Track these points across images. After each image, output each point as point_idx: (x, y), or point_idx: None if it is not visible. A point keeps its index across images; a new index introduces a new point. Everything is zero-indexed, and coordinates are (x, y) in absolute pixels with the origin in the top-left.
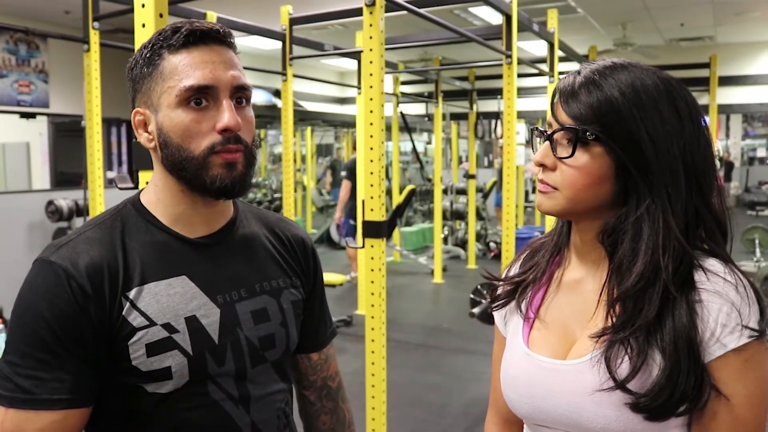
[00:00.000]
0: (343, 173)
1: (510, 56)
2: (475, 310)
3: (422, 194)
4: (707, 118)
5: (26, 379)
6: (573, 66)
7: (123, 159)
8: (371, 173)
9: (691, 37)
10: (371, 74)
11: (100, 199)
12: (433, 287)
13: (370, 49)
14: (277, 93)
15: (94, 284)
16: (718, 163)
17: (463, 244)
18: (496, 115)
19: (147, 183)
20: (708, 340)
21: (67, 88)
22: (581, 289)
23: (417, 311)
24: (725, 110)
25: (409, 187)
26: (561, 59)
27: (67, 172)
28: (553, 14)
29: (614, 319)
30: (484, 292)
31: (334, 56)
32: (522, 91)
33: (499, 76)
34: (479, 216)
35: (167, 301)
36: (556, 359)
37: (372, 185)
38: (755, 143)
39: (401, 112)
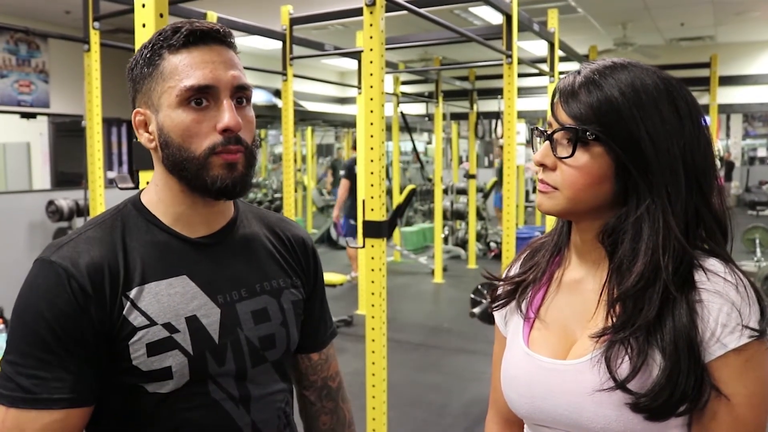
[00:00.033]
0: (342, 173)
1: (510, 56)
2: (476, 310)
3: (422, 194)
4: (707, 118)
5: (27, 378)
6: (573, 66)
7: (123, 159)
8: (372, 173)
9: (692, 36)
10: (371, 74)
11: (101, 199)
12: (433, 287)
13: (371, 49)
14: (277, 93)
15: (94, 284)
16: (718, 162)
17: (463, 244)
18: (497, 115)
19: (147, 183)
20: (708, 340)
21: (67, 88)
22: (581, 289)
23: (417, 311)
24: (725, 110)
25: (410, 187)
26: (561, 59)
27: (68, 172)
28: (553, 14)
29: (614, 319)
30: (485, 292)
31: (335, 56)
32: (522, 91)
33: (500, 76)
34: (479, 216)
35: (168, 301)
36: (556, 359)
37: (372, 185)
38: (756, 143)
39: (401, 112)
